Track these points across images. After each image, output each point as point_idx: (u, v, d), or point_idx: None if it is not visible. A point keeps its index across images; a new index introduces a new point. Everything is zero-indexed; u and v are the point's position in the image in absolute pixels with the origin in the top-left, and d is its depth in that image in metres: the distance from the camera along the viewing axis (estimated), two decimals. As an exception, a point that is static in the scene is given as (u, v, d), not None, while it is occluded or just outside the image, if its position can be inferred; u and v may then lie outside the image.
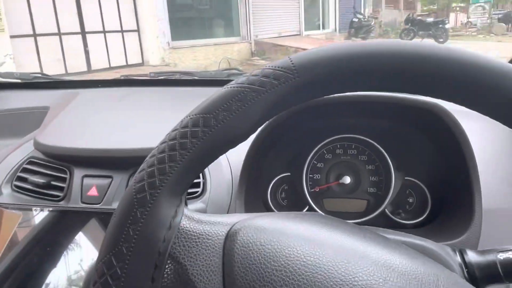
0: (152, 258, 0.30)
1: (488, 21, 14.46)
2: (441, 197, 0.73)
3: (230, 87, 0.33)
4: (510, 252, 0.47)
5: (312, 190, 0.78)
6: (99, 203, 0.77)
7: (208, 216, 0.34)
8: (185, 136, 0.32)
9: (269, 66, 0.34)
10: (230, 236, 0.32)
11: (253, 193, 0.74)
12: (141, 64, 7.74)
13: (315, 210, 0.75)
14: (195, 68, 7.81)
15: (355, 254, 0.30)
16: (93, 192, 0.77)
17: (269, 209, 0.78)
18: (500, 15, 14.20)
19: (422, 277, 0.30)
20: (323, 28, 13.32)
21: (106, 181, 0.79)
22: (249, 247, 0.30)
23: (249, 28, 9.51)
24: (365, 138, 0.76)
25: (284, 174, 0.79)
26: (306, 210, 0.76)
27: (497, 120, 0.32)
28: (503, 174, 0.71)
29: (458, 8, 19.30)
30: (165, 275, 0.31)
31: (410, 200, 0.77)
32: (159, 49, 7.80)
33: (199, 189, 0.75)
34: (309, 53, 0.34)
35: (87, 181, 0.79)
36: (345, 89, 0.35)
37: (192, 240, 0.32)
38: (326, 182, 0.79)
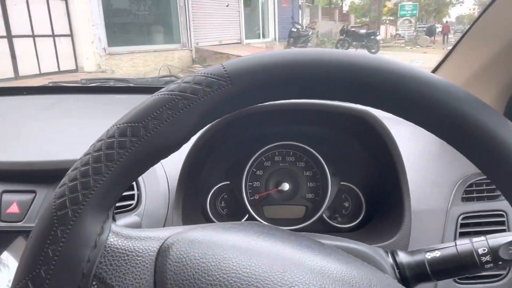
0: (75, 280, 0.28)
1: (414, 33, 15.63)
2: (375, 201, 0.77)
3: (160, 94, 0.31)
4: (436, 251, 0.50)
5: (251, 198, 0.78)
6: (21, 221, 0.71)
7: (138, 231, 0.33)
8: (111, 147, 0.30)
9: (201, 73, 0.33)
10: (162, 252, 0.30)
11: (191, 203, 0.72)
12: (75, 70, 7.35)
13: (255, 218, 0.75)
14: (134, 75, 7.56)
15: (292, 263, 0.30)
16: (14, 209, 0.71)
17: (208, 220, 0.76)
18: (424, 28, 15.42)
19: (355, 282, 0.31)
20: (263, 37, 13.58)
21: (28, 197, 0.72)
22: (183, 262, 0.29)
23: (190, 35, 9.43)
24: (302, 145, 0.77)
25: (223, 183, 0.79)
26: (246, 219, 0.76)
27: (419, 126, 0.34)
28: (430, 177, 0.76)
29: (387, 21, 20.68)
30: None
31: (346, 205, 0.79)
32: (94, 55, 7.46)
33: (134, 202, 0.71)
34: (242, 60, 0.33)
35: (6, 197, 0.72)
36: (280, 97, 0.35)
37: (120, 258, 0.29)
38: (266, 189, 0.79)
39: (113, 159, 0.29)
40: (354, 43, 12.05)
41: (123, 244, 0.30)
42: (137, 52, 8.22)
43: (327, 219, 0.77)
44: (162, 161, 0.68)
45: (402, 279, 0.50)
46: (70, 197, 0.28)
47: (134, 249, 0.30)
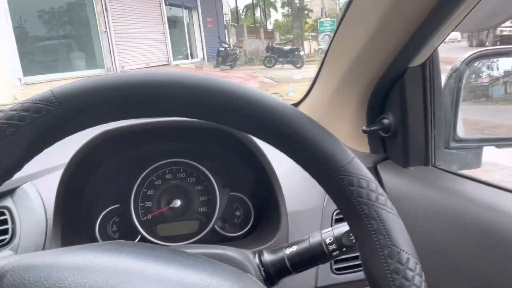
0: None
1: (335, 47, 16.53)
2: (261, 208, 0.81)
3: None
4: (294, 246, 0.55)
5: (144, 219, 0.79)
6: None
7: None
8: None
9: (29, 100, 0.34)
10: None
11: (75, 230, 0.71)
12: (-13, 103, 6.81)
13: (147, 239, 0.76)
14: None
15: (131, 274, 0.32)
16: None
17: None
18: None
19: (198, 284, 0.33)
20: (192, 57, 13.61)
21: None
22: None
23: (114, 59, 9.19)
24: (189, 161, 0.80)
25: (113, 207, 0.78)
26: (139, 240, 0.77)
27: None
28: (302, 180, 0.82)
29: (310, 37, 21.72)
30: None
31: (238, 214, 0.83)
32: (8, 86, 6.98)
33: (7, 236, 0.68)
34: (71, 85, 0.35)
35: None
36: (109, 118, 0.37)
37: None
38: (158, 208, 0.80)
39: None
40: (280, 59, 12.45)
41: None
42: (57, 80, 7.82)
43: (219, 229, 0.80)
44: (39, 189, 0.67)
45: (268, 276, 0.54)
46: None
47: None
